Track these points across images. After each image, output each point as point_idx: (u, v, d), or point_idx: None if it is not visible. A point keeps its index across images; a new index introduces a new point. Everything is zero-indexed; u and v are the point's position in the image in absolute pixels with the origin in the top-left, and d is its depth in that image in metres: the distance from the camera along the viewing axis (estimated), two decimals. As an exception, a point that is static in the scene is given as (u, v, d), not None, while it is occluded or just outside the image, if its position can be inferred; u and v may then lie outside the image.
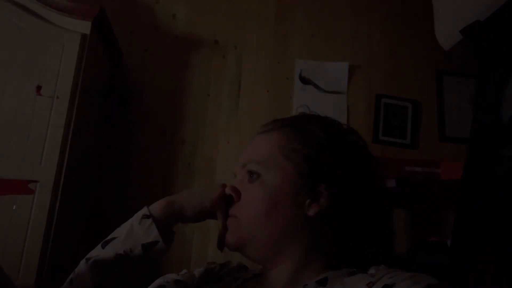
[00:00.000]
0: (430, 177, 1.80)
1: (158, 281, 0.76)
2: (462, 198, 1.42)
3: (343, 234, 0.66)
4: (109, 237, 0.70)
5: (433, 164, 1.83)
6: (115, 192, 1.86)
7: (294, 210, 0.64)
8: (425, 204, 1.98)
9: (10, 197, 1.37)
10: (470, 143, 1.49)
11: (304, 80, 2.09)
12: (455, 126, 2.09)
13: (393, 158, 2.01)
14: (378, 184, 0.72)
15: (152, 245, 0.67)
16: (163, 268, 1.76)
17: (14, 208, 1.36)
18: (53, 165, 1.42)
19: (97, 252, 0.69)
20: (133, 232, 0.68)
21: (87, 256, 0.69)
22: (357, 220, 0.66)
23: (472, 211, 1.35)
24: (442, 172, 1.79)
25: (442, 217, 1.97)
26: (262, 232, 0.65)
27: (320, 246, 0.65)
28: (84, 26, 1.57)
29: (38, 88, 1.46)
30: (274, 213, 0.64)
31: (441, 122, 2.11)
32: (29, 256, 1.34)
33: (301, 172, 0.65)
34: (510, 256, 1.17)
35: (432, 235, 1.85)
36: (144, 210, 0.71)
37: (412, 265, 1.60)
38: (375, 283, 0.55)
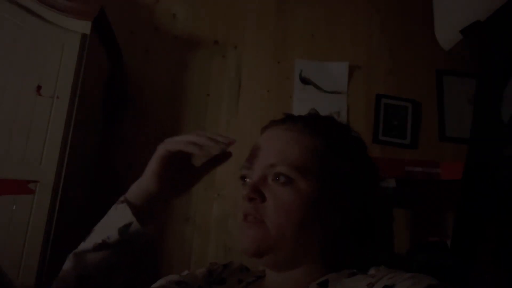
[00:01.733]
0: (430, 177, 1.79)
1: (159, 282, 0.75)
2: (462, 198, 1.42)
3: (346, 236, 0.66)
4: (89, 232, 0.70)
5: (433, 164, 1.82)
6: (115, 192, 1.85)
7: (322, 221, 0.64)
8: (425, 204, 1.98)
9: (10, 197, 1.37)
10: (470, 143, 1.49)
11: (304, 80, 2.09)
12: (455, 126, 2.09)
13: (393, 158, 2.01)
14: (378, 188, 0.72)
15: (127, 228, 0.65)
16: (163, 268, 1.76)
17: (14, 208, 1.36)
18: (53, 165, 1.42)
19: (79, 247, 0.69)
20: (109, 219, 0.68)
21: (70, 253, 0.70)
22: (359, 223, 0.66)
23: (472, 211, 1.35)
24: (442, 172, 1.79)
25: (442, 217, 1.97)
26: (289, 242, 0.62)
27: (325, 249, 0.65)
28: (84, 26, 1.57)
29: (38, 88, 1.46)
30: (304, 224, 0.62)
31: (441, 122, 2.11)
32: (29, 256, 1.34)
33: (334, 183, 0.65)
34: (510, 256, 1.17)
35: (432, 235, 1.85)
36: (120, 198, 0.70)
37: (412, 265, 1.60)
38: (375, 283, 0.55)
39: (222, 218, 1.86)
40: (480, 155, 1.40)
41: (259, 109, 2.04)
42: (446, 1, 1.77)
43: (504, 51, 1.39)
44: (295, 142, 0.66)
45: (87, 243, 0.68)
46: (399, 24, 2.23)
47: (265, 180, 0.65)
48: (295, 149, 0.65)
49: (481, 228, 1.29)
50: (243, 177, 0.70)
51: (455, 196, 1.49)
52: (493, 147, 1.33)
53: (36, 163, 1.42)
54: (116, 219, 0.67)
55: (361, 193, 0.66)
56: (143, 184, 0.69)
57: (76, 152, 1.52)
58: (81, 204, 1.70)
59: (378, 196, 0.71)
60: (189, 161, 0.71)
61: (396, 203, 1.94)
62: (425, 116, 2.14)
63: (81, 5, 1.59)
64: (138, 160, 1.92)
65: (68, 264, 0.68)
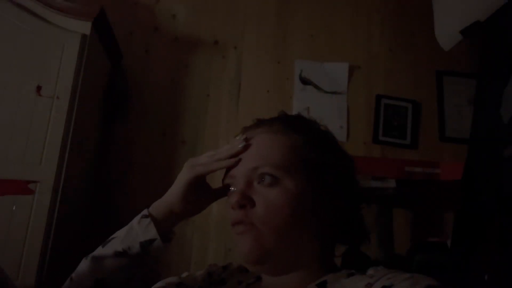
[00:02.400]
0: (430, 178, 1.79)
1: (159, 284, 0.75)
2: (462, 198, 1.42)
3: (344, 236, 0.67)
4: (109, 237, 0.71)
5: (433, 165, 1.82)
6: (115, 192, 1.86)
7: (313, 218, 0.64)
8: (425, 204, 1.98)
9: (10, 197, 1.37)
10: (470, 143, 1.50)
11: (304, 81, 2.09)
12: (455, 127, 2.09)
13: (393, 158, 2.01)
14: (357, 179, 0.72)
15: (149, 243, 0.67)
16: (163, 269, 1.76)
17: (14, 208, 1.36)
18: (53, 165, 1.42)
19: (97, 251, 0.70)
20: (132, 231, 0.69)
21: (88, 255, 0.70)
22: (351, 221, 0.67)
23: (472, 212, 1.35)
24: (442, 173, 1.79)
25: (442, 217, 1.97)
26: (287, 242, 0.62)
27: (325, 249, 0.65)
28: (84, 27, 1.57)
29: (38, 88, 1.47)
30: (297, 222, 0.62)
31: (441, 122, 2.11)
32: (29, 257, 1.34)
33: (319, 178, 0.65)
34: (510, 256, 1.17)
35: (432, 236, 1.85)
36: (144, 211, 0.71)
37: (412, 265, 1.60)
38: (373, 284, 0.55)
39: (222, 219, 1.86)
40: (480, 156, 1.40)
41: (259, 110, 2.04)
42: (446, 2, 1.77)
43: (504, 51, 1.39)
44: (274, 142, 0.66)
45: (107, 249, 0.69)
46: (399, 25, 2.23)
47: (251, 184, 0.65)
48: (275, 149, 0.65)
49: (481, 229, 1.29)
50: (226, 186, 0.70)
51: (455, 197, 1.49)
52: (493, 148, 1.33)
53: (36, 163, 1.42)
54: (139, 233, 0.68)
55: (346, 184, 0.67)
56: (168, 203, 0.70)
57: (76, 152, 1.52)
58: (81, 204, 1.70)
59: (359, 187, 0.71)
60: (205, 181, 0.73)
61: (396, 203, 1.94)
62: (425, 116, 2.14)
63: (81, 5, 1.59)
64: (138, 160, 1.93)
65: (84, 267, 0.69)
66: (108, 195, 1.85)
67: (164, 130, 1.98)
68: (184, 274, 0.79)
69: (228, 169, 0.69)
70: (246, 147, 0.67)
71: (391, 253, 1.74)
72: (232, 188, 0.68)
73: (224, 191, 0.71)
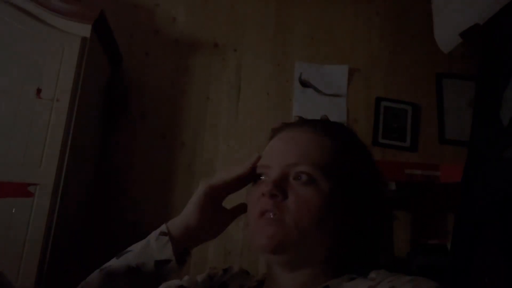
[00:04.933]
0: (430, 180, 1.79)
1: None
2: (461, 200, 1.42)
3: (351, 241, 0.67)
4: (125, 250, 0.71)
5: (433, 167, 1.82)
6: (114, 195, 1.86)
7: (337, 223, 0.64)
8: (425, 207, 1.98)
9: (10, 200, 1.37)
10: (470, 145, 1.50)
11: (304, 83, 2.09)
12: (455, 129, 2.09)
13: (393, 160, 2.01)
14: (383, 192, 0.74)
15: (164, 263, 0.67)
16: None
17: (13, 211, 1.36)
18: (53, 168, 1.42)
19: (111, 263, 0.69)
20: (148, 248, 0.68)
21: (102, 266, 0.69)
22: (365, 227, 0.67)
23: (472, 214, 1.35)
24: (442, 175, 1.79)
25: (442, 220, 1.97)
26: (307, 241, 0.62)
27: (333, 255, 0.65)
28: (84, 29, 1.57)
29: (38, 91, 1.46)
30: (325, 223, 0.62)
31: (440, 125, 2.11)
32: (29, 260, 1.33)
33: (351, 185, 0.65)
34: (510, 259, 1.17)
35: (432, 238, 1.85)
36: (162, 227, 0.70)
37: (412, 268, 1.60)
38: (375, 287, 0.55)
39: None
40: (479, 158, 1.40)
41: (259, 112, 2.04)
42: (446, 5, 1.78)
43: (503, 54, 1.39)
44: (316, 143, 0.67)
45: (120, 262, 0.68)
46: (398, 27, 2.23)
47: (286, 178, 0.65)
48: (317, 149, 0.66)
49: (481, 231, 1.29)
50: (256, 176, 0.70)
51: (454, 199, 1.49)
52: (492, 150, 1.33)
53: (36, 166, 1.41)
54: (155, 250, 0.68)
55: (372, 196, 0.68)
56: (184, 217, 0.70)
57: (75, 155, 1.52)
58: (81, 207, 1.70)
59: (383, 200, 0.72)
60: (221, 203, 0.73)
61: (396, 206, 1.93)
62: (425, 118, 2.14)
63: (81, 8, 1.59)
64: (138, 162, 1.93)
65: (95, 279, 0.68)
66: (108, 197, 1.85)
67: (164, 132, 1.98)
68: (185, 278, 0.79)
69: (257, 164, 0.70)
70: (257, 160, 0.69)
71: (391, 256, 1.74)
72: (263, 177, 0.68)
73: (242, 208, 0.73)
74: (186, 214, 0.70)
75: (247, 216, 0.69)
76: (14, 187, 1.38)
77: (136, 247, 0.70)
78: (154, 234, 0.70)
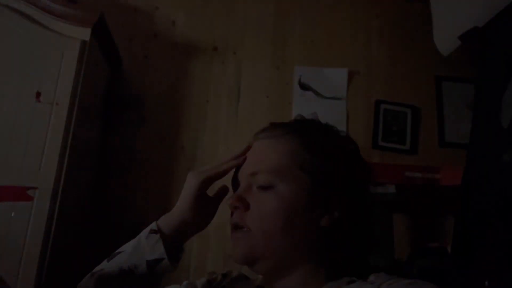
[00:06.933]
0: (430, 183, 1.79)
1: None
2: (462, 203, 1.42)
3: (346, 244, 0.66)
4: (116, 251, 0.70)
5: (433, 170, 1.82)
6: (114, 198, 1.85)
7: (308, 223, 0.63)
8: (425, 209, 1.97)
9: (9, 203, 1.37)
10: (470, 148, 1.49)
11: (304, 86, 2.09)
12: (455, 132, 2.09)
13: (393, 163, 2.00)
14: (369, 189, 0.73)
15: (156, 262, 0.66)
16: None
17: (12, 214, 1.35)
18: (52, 171, 1.42)
19: (102, 266, 0.69)
20: (139, 247, 0.68)
21: (93, 271, 0.69)
22: (361, 229, 0.66)
23: (472, 217, 1.35)
24: (442, 178, 1.78)
25: (442, 222, 1.97)
26: (278, 246, 0.62)
27: (324, 257, 0.65)
28: (84, 33, 1.57)
29: (38, 94, 1.46)
30: (290, 226, 0.62)
31: (440, 127, 2.11)
32: (28, 264, 1.33)
33: (316, 183, 0.64)
34: (510, 262, 1.17)
35: (432, 241, 1.84)
36: (152, 225, 0.70)
37: (412, 271, 1.60)
38: (374, 290, 0.54)
39: (222, 225, 1.84)
40: (479, 161, 1.40)
41: (258, 115, 2.04)
42: (445, 7, 1.78)
43: (503, 56, 1.39)
44: (272, 149, 0.67)
45: (112, 264, 0.68)
46: (398, 30, 2.24)
47: (250, 189, 0.66)
48: (271, 154, 0.66)
49: (481, 234, 1.29)
50: (225, 188, 0.74)
51: (455, 202, 1.49)
52: (492, 153, 1.32)
53: (35, 169, 1.41)
54: (147, 250, 0.67)
55: (349, 193, 0.66)
56: (179, 215, 0.70)
57: (75, 158, 1.52)
58: (80, 210, 1.70)
59: (370, 197, 0.71)
60: (206, 192, 0.74)
61: (396, 209, 1.93)
62: (425, 121, 2.14)
63: (80, 12, 1.60)
64: (137, 165, 1.92)
65: (88, 284, 0.68)
66: (107, 201, 1.84)
67: (164, 136, 1.98)
68: (185, 283, 0.79)
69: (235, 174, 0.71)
70: (247, 149, 0.70)
71: (391, 259, 1.73)
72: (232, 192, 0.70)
73: (224, 191, 0.75)
74: (181, 209, 0.70)
75: None
76: (14, 190, 1.38)
77: (127, 248, 0.69)
78: (144, 232, 0.70)
